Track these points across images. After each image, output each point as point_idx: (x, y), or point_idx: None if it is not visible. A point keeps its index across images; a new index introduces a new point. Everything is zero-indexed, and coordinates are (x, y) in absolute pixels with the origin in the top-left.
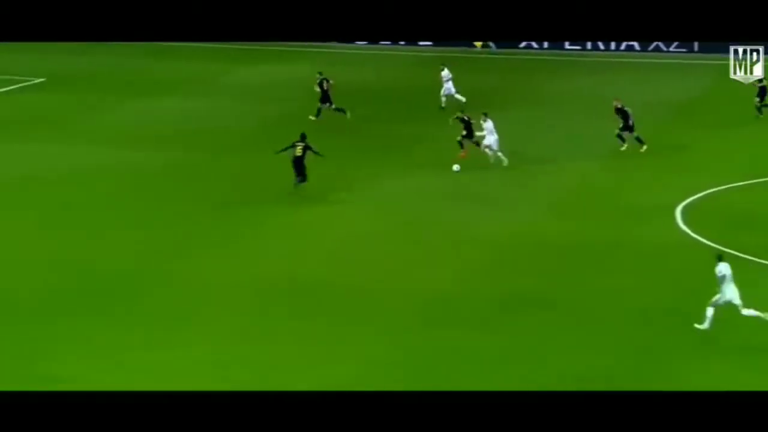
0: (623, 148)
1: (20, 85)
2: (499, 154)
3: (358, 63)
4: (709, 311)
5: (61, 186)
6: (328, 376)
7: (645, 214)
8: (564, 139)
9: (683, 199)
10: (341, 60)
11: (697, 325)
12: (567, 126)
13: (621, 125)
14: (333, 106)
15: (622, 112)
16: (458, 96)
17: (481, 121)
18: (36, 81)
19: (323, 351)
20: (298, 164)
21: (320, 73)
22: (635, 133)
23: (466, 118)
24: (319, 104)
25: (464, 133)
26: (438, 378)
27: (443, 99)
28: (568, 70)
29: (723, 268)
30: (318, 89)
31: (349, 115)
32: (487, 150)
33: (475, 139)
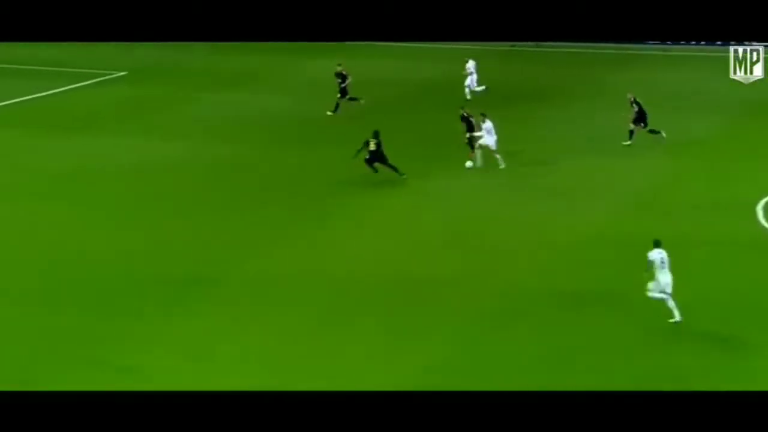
0: (664, 139)
1: (101, 78)
2: (497, 156)
3: (421, 58)
4: (670, 303)
5: (135, 178)
6: (394, 374)
7: (725, 211)
8: (642, 134)
9: (764, 196)
10: (407, 55)
11: (670, 320)
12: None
13: (644, 122)
14: (345, 98)
15: (636, 105)
16: (476, 89)
17: (480, 122)
18: (118, 74)
19: (390, 348)
20: (376, 158)
21: (340, 65)
22: (632, 127)
23: (465, 114)
24: (339, 97)
25: (466, 130)
26: (500, 377)
27: (478, 89)
28: (649, 65)
29: (658, 254)
30: (340, 82)
31: (338, 112)
32: (479, 151)
33: (469, 137)
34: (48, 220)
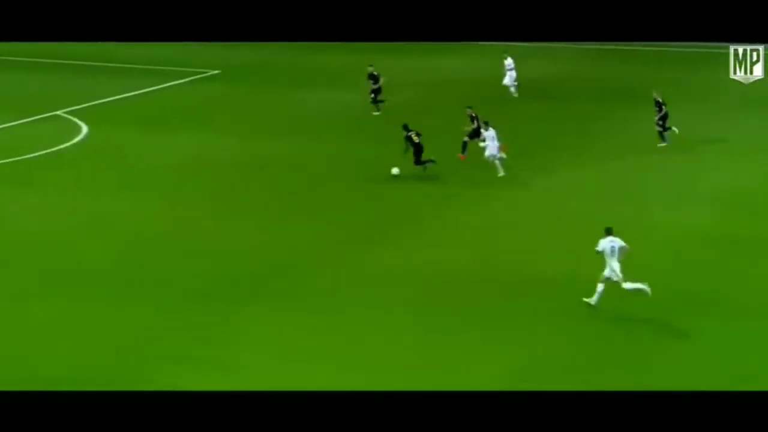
0: (662, 144)
1: (195, 77)
2: (497, 162)
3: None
4: (600, 287)
5: (224, 173)
6: (488, 373)
7: None
8: (732, 134)
9: None
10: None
11: (585, 299)
12: (736, 120)
13: (662, 122)
14: (376, 98)
15: (658, 105)
16: (512, 88)
17: (482, 130)
18: (211, 73)
19: (485, 345)
20: (421, 150)
21: (371, 65)
22: (665, 127)
23: (473, 114)
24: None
25: (472, 130)
26: (600, 376)
27: (512, 89)
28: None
29: (609, 242)
30: (373, 83)
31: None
32: (489, 158)
33: (478, 139)
34: (134, 213)
